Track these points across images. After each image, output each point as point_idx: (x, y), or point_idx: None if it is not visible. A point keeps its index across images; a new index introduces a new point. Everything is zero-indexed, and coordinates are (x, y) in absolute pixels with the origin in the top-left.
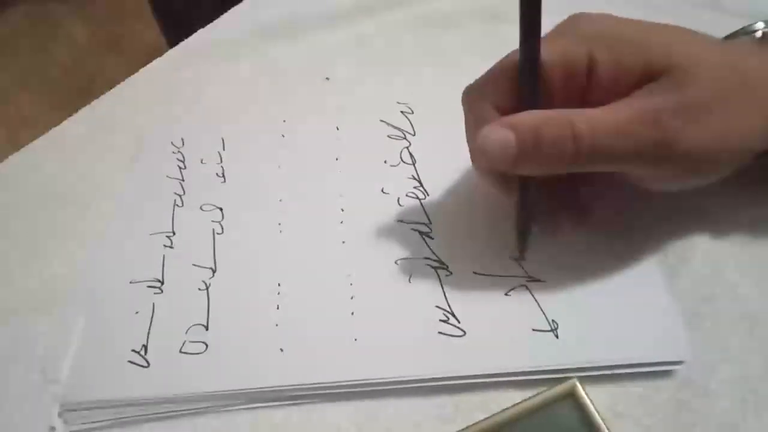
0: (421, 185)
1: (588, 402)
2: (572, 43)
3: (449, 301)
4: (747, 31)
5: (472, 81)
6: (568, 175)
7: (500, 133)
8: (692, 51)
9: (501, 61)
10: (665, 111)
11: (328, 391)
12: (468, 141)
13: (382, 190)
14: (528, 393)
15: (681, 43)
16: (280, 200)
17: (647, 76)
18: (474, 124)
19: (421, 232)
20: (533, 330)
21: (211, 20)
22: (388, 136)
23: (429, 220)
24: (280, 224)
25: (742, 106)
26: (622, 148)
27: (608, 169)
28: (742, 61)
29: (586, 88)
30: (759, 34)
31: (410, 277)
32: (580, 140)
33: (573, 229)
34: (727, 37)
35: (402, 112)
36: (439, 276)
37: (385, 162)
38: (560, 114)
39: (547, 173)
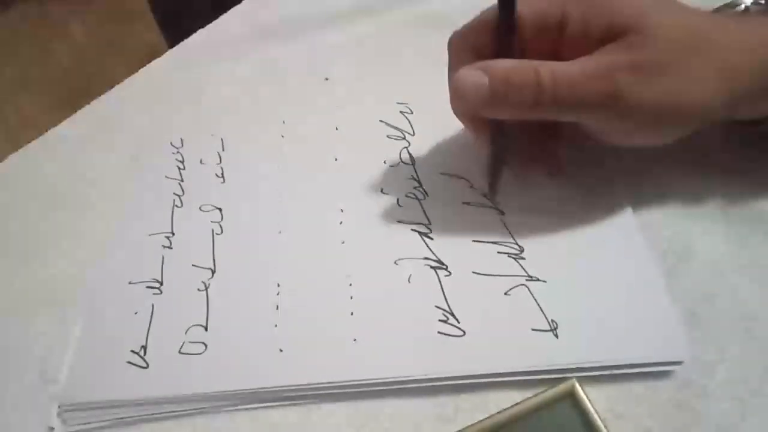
0: (421, 186)
1: (587, 402)
2: (548, 1)
3: (449, 301)
4: (732, 5)
5: None
6: (547, 129)
7: (475, 75)
8: (655, 15)
9: (484, 13)
10: (618, 68)
11: (328, 391)
12: (449, 83)
13: (382, 191)
14: (528, 393)
15: (646, 8)
16: (280, 200)
17: (611, 36)
18: (455, 68)
19: (420, 233)
20: (533, 330)
21: (211, 20)
22: (388, 137)
23: (428, 220)
24: (279, 225)
25: (699, 70)
26: (576, 98)
27: (567, 118)
28: (707, 29)
29: (557, 43)
30: (741, 7)
31: (410, 277)
32: (542, 88)
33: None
34: (714, 12)
35: (401, 112)
36: (438, 276)
37: (385, 162)
38: (528, 63)
39: (514, 117)
